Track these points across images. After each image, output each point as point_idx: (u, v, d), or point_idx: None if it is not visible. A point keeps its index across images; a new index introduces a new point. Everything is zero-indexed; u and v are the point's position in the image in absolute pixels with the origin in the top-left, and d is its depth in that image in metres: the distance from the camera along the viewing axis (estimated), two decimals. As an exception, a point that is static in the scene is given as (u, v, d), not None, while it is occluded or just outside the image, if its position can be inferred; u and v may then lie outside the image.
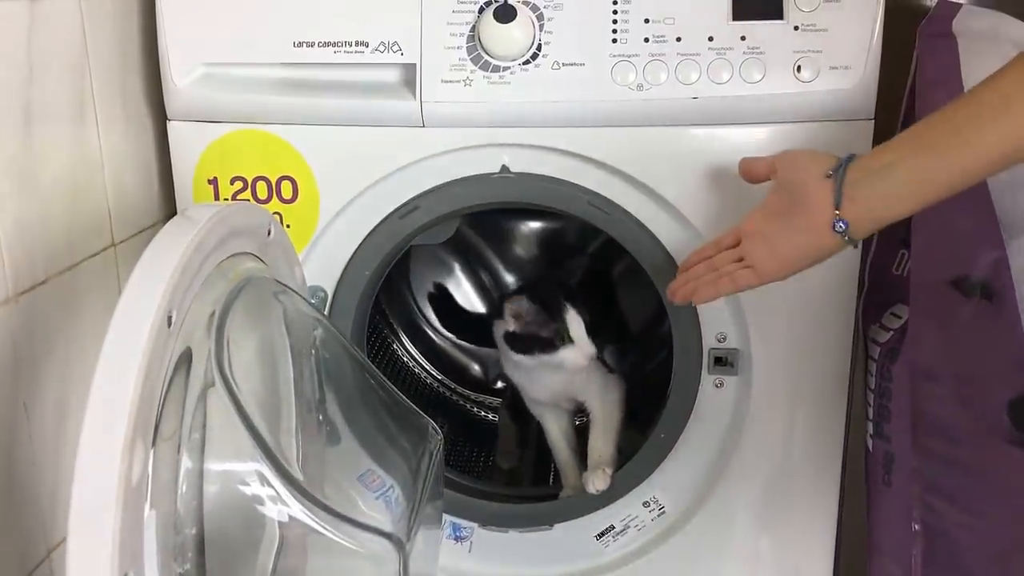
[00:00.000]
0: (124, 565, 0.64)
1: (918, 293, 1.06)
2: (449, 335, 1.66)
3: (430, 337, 1.67)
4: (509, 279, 1.66)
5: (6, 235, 0.86)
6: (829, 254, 0.88)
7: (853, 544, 1.28)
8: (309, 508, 0.77)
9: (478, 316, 1.67)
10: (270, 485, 0.76)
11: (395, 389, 1.06)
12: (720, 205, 1.08)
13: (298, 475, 0.78)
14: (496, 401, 1.62)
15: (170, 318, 0.70)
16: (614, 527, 1.24)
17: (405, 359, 1.62)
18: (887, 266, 1.15)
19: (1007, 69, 0.76)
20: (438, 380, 1.64)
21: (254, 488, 0.78)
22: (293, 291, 0.97)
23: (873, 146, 1.06)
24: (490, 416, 1.62)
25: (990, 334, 1.01)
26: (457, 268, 1.67)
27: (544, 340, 1.18)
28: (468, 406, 1.64)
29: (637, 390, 1.31)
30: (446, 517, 1.24)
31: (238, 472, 0.79)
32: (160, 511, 0.71)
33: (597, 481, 1.19)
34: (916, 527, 1.10)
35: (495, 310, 1.28)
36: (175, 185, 1.14)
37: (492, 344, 1.63)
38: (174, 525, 0.73)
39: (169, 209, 1.19)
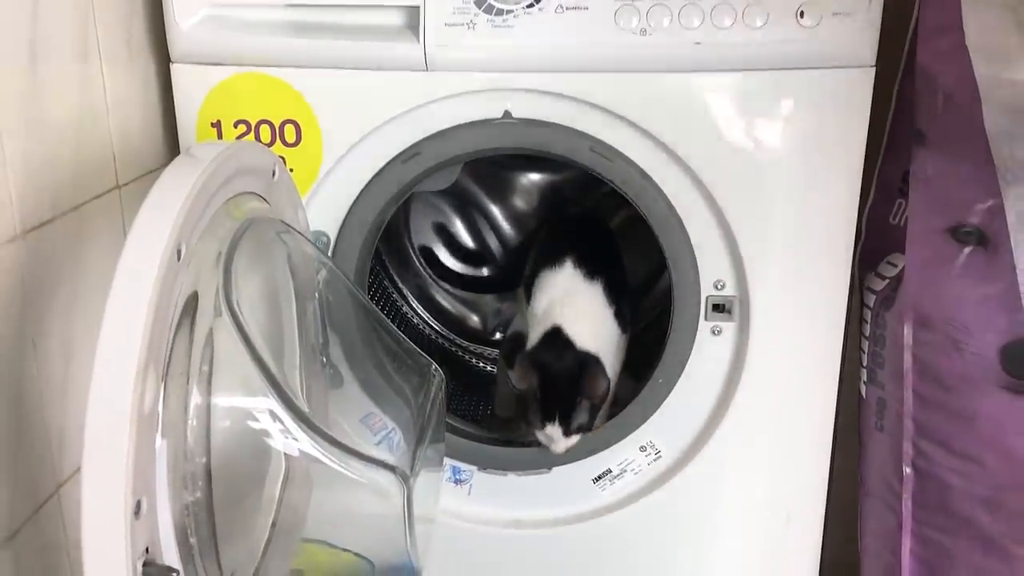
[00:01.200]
0: (137, 491, 0.65)
1: (914, 240, 1.07)
2: (448, 287, 1.67)
3: (429, 289, 1.67)
4: (510, 233, 1.67)
5: (14, 172, 0.86)
6: None
7: (845, 489, 1.30)
8: (316, 440, 0.78)
9: (477, 264, 1.68)
10: (278, 419, 0.78)
11: (397, 331, 1.07)
12: (722, 152, 1.09)
13: (304, 407, 0.79)
14: (494, 352, 1.64)
15: (179, 252, 0.70)
16: (611, 471, 1.26)
17: (405, 310, 1.63)
18: (885, 216, 1.16)
19: None
20: (437, 331, 1.65)
21: (263, 421, 0.79)
22: (298, 232, 0.98)
23: (874, 96, 1.07)
24: (489, 367, 1.63)
25: (984, 281, 1.03)
26: (457, 221, 1.67)
27: (524, 416, 1.21)
28: (467, 358, 1.65)
29: (633, 345, 1.31)
30: (446, 460, 1.25)
31: (246, 405, 0.80)
32: (171, 441, 0.72)
33: (594, 424, 1.21)
34: (908, 471, 1.12)
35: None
36: (178, 128, 1.14)
37: (490, 290, 1.65)
38: (184, 455, 0.75)
39: (173, 152, 1.19)
